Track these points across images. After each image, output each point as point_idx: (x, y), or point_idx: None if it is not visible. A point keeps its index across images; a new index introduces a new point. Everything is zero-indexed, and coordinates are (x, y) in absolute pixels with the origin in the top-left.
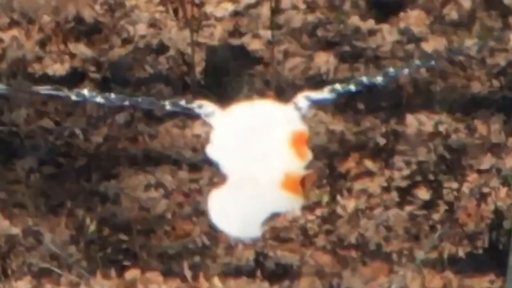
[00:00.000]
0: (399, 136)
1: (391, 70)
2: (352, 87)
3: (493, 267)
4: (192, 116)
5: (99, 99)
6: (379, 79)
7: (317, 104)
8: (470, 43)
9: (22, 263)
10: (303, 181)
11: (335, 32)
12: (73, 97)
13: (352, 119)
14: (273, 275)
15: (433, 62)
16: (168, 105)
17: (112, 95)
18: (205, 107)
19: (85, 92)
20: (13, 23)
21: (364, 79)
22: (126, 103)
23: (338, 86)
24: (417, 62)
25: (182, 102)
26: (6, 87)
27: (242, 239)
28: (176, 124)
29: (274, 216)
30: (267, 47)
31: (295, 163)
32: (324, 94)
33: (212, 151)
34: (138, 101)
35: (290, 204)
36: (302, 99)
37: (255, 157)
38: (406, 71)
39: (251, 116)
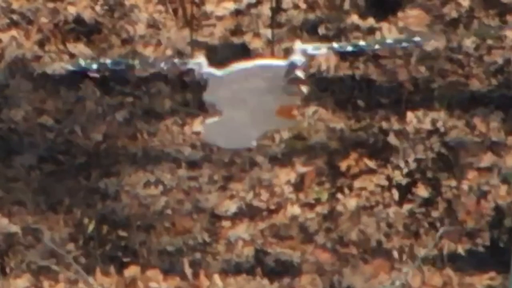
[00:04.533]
0: (399, 134)
1: (388, 40)
2: (349, 47)
3: (494, 265)
4: (192, 114)
5: (95, 66)
6: (377, 46)
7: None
8: (469, 41)
9: (21, 261)
10: (297, 108)
11: (335, 30)
12: (70, 67)
13: (352, 117)
14: (273, 272)
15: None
16: (164, 65)
17: (108, 60)
18: (197, 62)
19: (81, 62)
20: (12, 24)
21: (363, 42)
22: (122, 67)
23: (335, 45)
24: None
25: (176, 61)
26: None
27: (235, 147)
28: (175, 121)
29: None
30: (267, 45)
31: (291, 98)
32: (322, 50)
33: (209, 95)
34: (134, 66)
35: (284, 124)
36: (299, 52)
37: (251, 94)
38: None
39: (249, 67)
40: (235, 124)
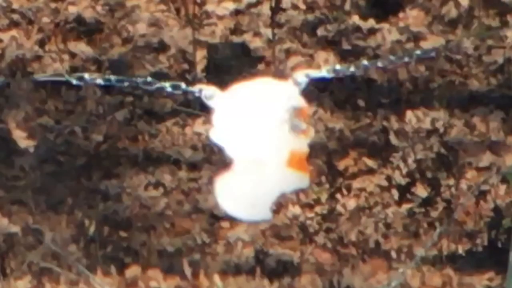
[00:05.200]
0: (398, 133)
1: (391, 57)
2: (351, 69)
3: (493, 265)
4: (192, 114)
5: (99, 81)
6: (379, 63)
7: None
8: (468, 41)
9: (22, 262)
10: (308, 159)
11: (335, 31)
12: (74, 81)
13: (351, 116)
14: (273, 272)
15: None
16: (168, 87)
17: (112, 77)
18: (206, 90)
19: (86, 76)
20: (13, 24)
21: (364, 62)
22: (125, 84)
23: (338, 66)
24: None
25: (183, 85)
26: (5, 80)
27: (254, 221)
28: (176, 122)
29: (284, 195)
30: (268, 45)
31: (299, 141)
32: (323, 72)
33: (215, 135)
34: (137, 82)
35: (297, 182)
36: (301, 75)
37: (258, 137)
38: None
39: (251, 96)
40: (248, 184)
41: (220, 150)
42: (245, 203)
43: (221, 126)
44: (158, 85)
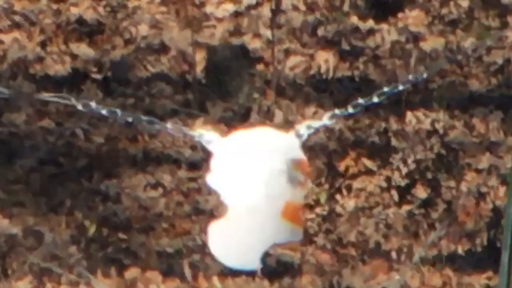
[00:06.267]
0: (398, 134)
1: (385, 89)
2: (350, 109)
3: (491, 265)
4: (192, 115)
5: (104, 112)
6: (375, 99)
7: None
8: (468, 42)
9: (22, 263)
10: (303, 211)
11: (335, 31)
12: (79, 107)
13: (351, 117)
14: (273, 273)
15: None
16: (169, 129)
17: (118, 112)
18: (205, 135)
19: (92, 104)
20: (15, 25)
21: (361, 100)
22: (129, 119)
23: (337, 111)
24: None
25: (184, 129)
26: (9, 91)
27: (240, 270)
28: (176, 123)
29: (275, 246)
30: (267, 46)
31: (295, 192)
32: (324, 121)
33: (212, 179)
34: (140, 119)
35: (290, 233)
36: (303, 127)
37: (255, 186)
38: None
39: (251, 144)
40: (240, 232)
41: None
42: (236, 251)
43: (218, 171)
44: (158, 126)
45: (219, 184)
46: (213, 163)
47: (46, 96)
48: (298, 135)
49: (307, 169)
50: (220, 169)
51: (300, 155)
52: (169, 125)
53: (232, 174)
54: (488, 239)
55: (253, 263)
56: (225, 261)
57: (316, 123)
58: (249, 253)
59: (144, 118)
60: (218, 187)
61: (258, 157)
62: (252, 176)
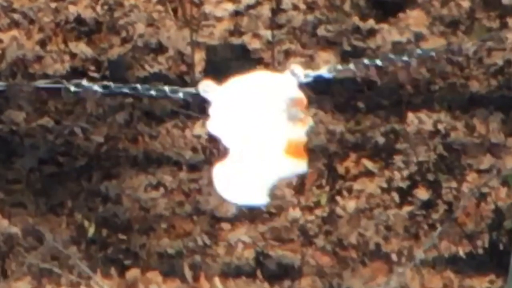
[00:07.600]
0: (399, 135)
1: (390, 55)
2: (351, 67)
3: (493, 267)
4: (192, 116)
5: (97, 88)
6: (378, 62)
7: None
8: (469, 43)
9: (22, 263)
10: (305, 147)
11: (336, 31)
12: (72, 88)
13: (352, 118)
14: (273, 275)
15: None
16: (168, 92)
17: (112, 84)
18: (201, 84)
19: (84, 83)
20: (13, 24)
21: (365, 60)
22: (125, 90)
23: (337, 66)
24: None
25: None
26: (6, 84)
27: (250, 205)
28: (176, 124)
29: (281, 180)
30: (267, 46)
31: (296, 129)
32: (322, 71)
33: (212, 125)
34: (137, 88)
35: (294, 168)
36: (298, 67)
37: (255, 127)
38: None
39: (249, 87)
40: (246, 170)
41: (219, 152)
42: (243, 188)
43: (218, 117)
44: (156, 90)
45: (220, 128)
46: (212, 110)
47: (40, 83)
48: (294, 74)
49: (306, 106)
50: (219, 114)
51: (298, 93)
52: (167, 88)
53: (232, 117)
54: (490, 241)
55: (261, 198)
56: (233, 199)
57: (314, 72)
58: (256, 189)
59: (139, 86)
60: (219, 131)
61: (257, 98)
62: (252, 117)
